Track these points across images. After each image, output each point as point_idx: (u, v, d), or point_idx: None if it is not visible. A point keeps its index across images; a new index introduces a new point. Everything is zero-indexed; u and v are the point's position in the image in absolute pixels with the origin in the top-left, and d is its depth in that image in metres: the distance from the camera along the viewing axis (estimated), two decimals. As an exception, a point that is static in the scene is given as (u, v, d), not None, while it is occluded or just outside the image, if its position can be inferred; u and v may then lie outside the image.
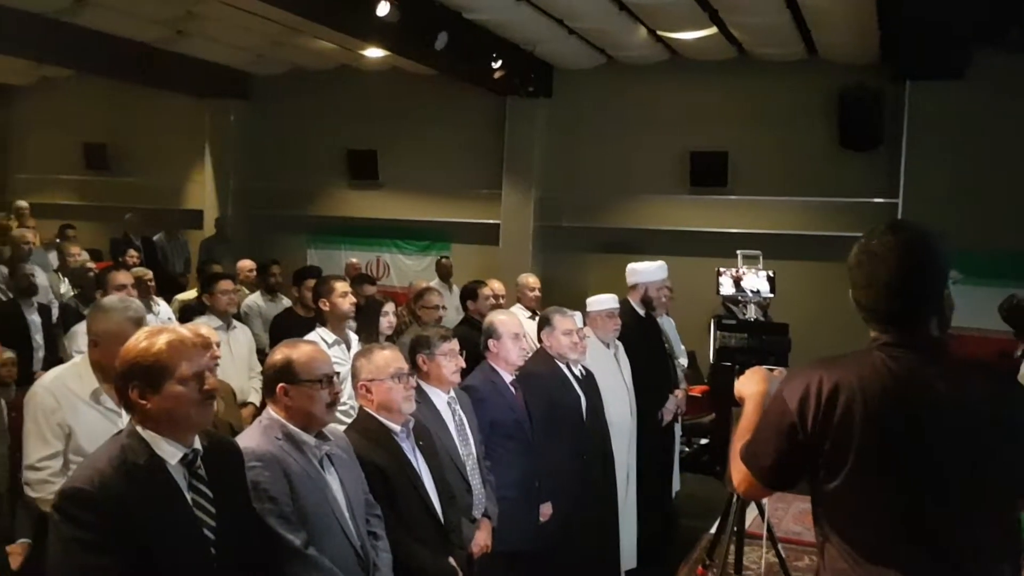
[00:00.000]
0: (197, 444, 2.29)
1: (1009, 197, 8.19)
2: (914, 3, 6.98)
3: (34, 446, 3.10)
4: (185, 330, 2.40)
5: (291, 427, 2.76)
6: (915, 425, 1.87)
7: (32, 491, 3.08)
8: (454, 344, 3.79)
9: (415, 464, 3.29)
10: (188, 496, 2.22)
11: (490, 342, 4.20)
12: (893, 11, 7.36)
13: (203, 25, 9.43)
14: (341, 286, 4.87)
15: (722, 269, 4.53)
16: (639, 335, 5.51)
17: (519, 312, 6.56)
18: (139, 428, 2.22)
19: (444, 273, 9.22)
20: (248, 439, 2.74)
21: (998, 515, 1.92)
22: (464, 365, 3.86)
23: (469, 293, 6.37)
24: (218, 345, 4.01)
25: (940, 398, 1.89)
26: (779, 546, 4.32)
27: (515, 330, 4.22)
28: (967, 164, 8.56)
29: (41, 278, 6.75)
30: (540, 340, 4.67)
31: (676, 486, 6.53)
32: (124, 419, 2.92)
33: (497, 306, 6.46)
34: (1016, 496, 1.95)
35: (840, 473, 1.89)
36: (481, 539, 3.66)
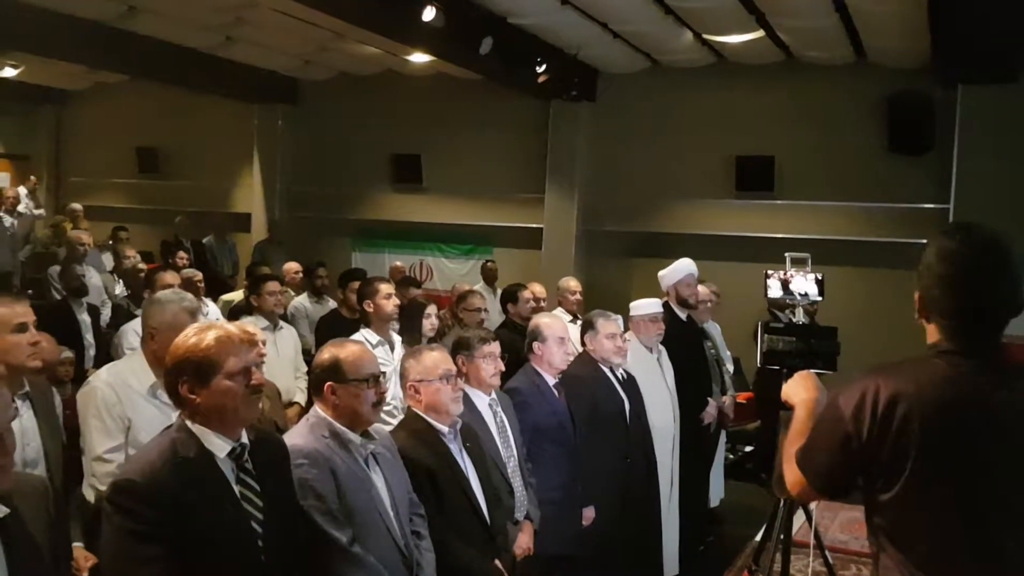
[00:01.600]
0: (245, 439, 2.33)
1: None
2: (966, 6, 6.84)
3: (99, 439, 3.14)
4: (232, 327, 2.44)
5: (338, 426, 2.79)
6: (974, 435, 1.84)
7: (99, 483, 3.08)
8: (494, 347, 3.80)
9: (462, 465, 3.30)
10: (236, 489, 2.26)
11: (535, 345, 4.20)
12: (945, 15, 7.23)
13: (251, 31, 9.58)
14: (385, 288, 4.91)
15: (770, 271, 4.48)
16: (680, 339, 5.48)
17: (561, 316, 6.56)
18: (188, 422, 2.27)
19: (489, 277, 9.24)
20: (295, 437, 2.78)
21: None
22: (504, 368, 3.87)
23: (509, 296, 6.38)
24: (264, 344, 4.06)
25: (1000, 407, 1.86)
26: (827, 554, 4.25)
27: (560, 334, 4.23)
28: (1020, 169, 8.36)
29: (95, 279, 6.91)
30: (583, 343, 4.66)
31: (721, 493, 6.47)
32: (175, 414, 2.99)
33: (538, 309, 6.46)
34: None
35: (897, 484, 1.87)
36: (524, 542, 3.66)
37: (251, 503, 2.27)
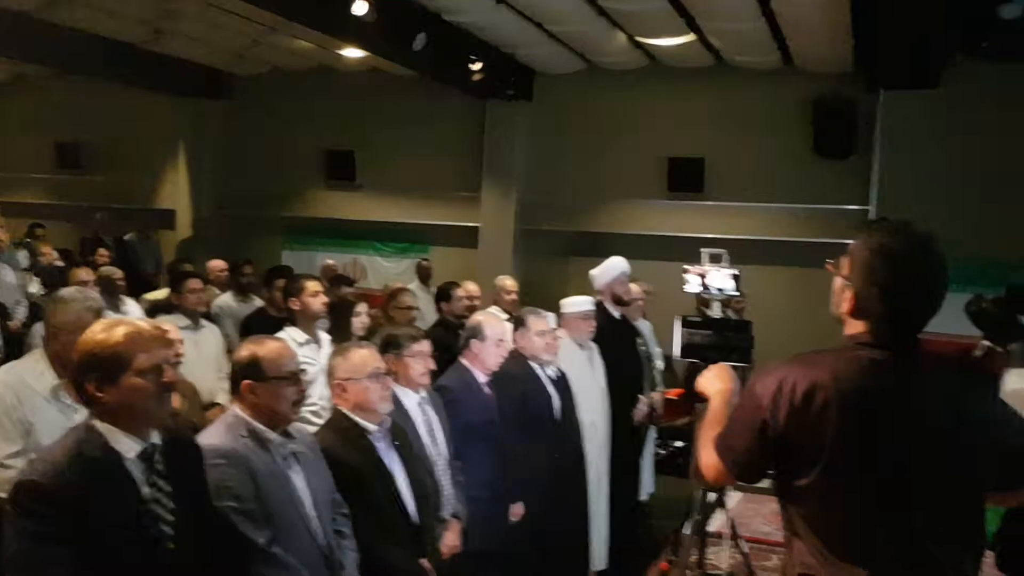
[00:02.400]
0: (156, 439, 2.26)
1: (980, 206, 8.26)
2: (888, 13, 7.03)
3: None
4: (144, 323, 2.37)
5: (256, 424, 2.74)
6: (891, 423, 1.88)
7: (1, 491, 3.00)
8: (424, 345, 3.77)
9: (389, 464, 3.27)
10: (146, 491, 2.20)
11: (472, 342, 4.18)
12: (867, 21, 7.42)
13: (181, 24, 9.38)
14: (312, 285, 4.84)
15: (688, 268, 4.55)
16: (613, 337, 5.52)
17: (498, 315, 6.55)
18: (96, 421, 2.20)
19: (423, 275, 9.19)
20: (212, 436, 2.72)
21: (966, 510, 1.94)
22: (434, 367, 3.84)
23: (443, 294, 6.35)
24: (182, 342, 3.96)
25: (917, 397, 1.90)
26: (743, 544, 4.35)
27: (500, 336, 4.22)
28: (939, 173, 8.63)
29: (9, 277, 6.67)
30: (514, 340, 4.65)
31: (651, 488, 6.54)
32: (81, 416, 2.89)
33: (472, 308, 6.44)
34: (984, 491, 1.97)
35: (813, 471, 1.89)
36: (451, 540, 3.65)
37: (161, 505, 2.21)
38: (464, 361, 4.24)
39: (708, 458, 2.10)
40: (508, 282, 6.92)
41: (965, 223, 8.08)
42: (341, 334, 4.91)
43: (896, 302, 1.93)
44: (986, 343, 2.03)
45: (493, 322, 4.27)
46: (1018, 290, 2.33)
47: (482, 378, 4.19)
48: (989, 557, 2.53)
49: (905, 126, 8.80)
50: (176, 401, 2.45)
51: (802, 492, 1.93)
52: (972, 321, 2.06)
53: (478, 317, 4.37)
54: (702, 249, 4.75)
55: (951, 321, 2.14)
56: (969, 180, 8.53)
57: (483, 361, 4.17)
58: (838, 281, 2.04)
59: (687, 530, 4.26)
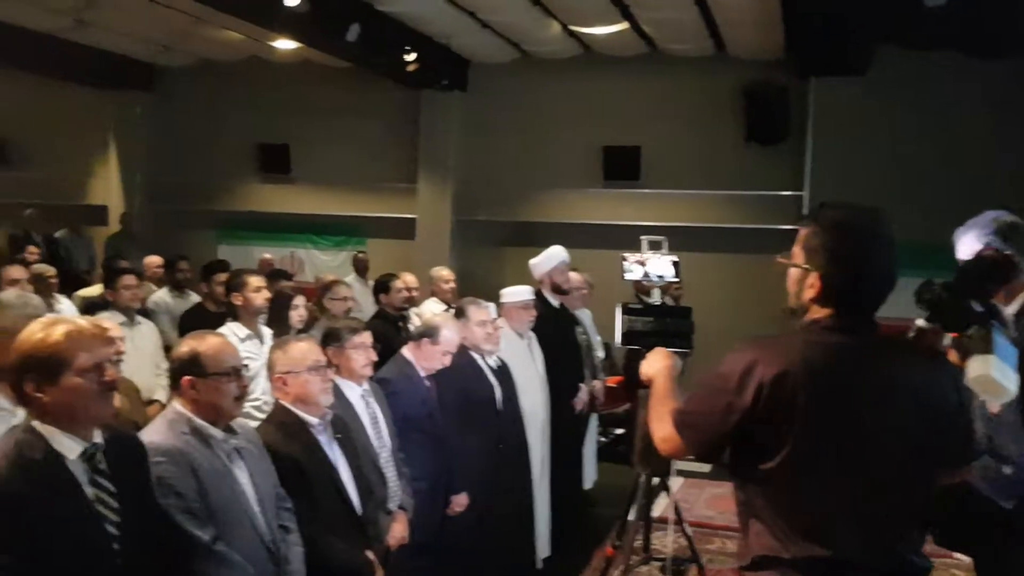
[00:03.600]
0: (98, 438, 2.23)
1: (911, 191, 8.51)
2: (816, 1, 7.20)
3: None
4: (84, 321, 2.33)
5: (198, 421, 2.71)
6: (859, 411, 1.93)
7: None
8: (365, 337, 3.78)
9: (331, 457, 3.27)
10: (89, 491, 2.17)
11: (424, 340, 4.18)
12: (795, 8, 7.57)
13: (105, 14, 9.11)
14: (255, 281, 4.83)
15: (627, 255, 4.61)
16: (552, 326, 5.57)
17: (434, 305, 6.57)
18: (36, 423, 2.16)
19: (360, 268, 9.14)
20: (153, 433, 2.69)
21: (922, 490, 2.01)
22: (376, 358, 3.84)
23: (381, 287, 6.34)
24: (123, 340, 3.90)
25: (881, 383, 1.95)
26: (687, 528, 4.44)
27: (453, 349, 4.23)
28: (871, 158, 8.88)
29: (-67, 276, 6.44)
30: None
31: (593, 476, 6.62)
32: (18, 418, 2.82)
33: (410, 299, 6.46)
34: (937, 467, 2.03)
35: (778, 455, 1.92)
36: (398, 531, 3.66)
37: (106, 505, 2.18)
38: (406, 353, 4.24)
39: (664, 432, 2.11)
40: (444, 272, 6.93)
41: (895, 207, 8.30)
42: (279, 328, 4.89)
43: (862, 277, 1.97)
44: (921, 323, 2.10)
45: (450, 335, 4.22)
46: (968, 273, 2.39)
47: (422, 372, 4.20)
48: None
49: (836, 112, 9.02)
50: (117, 400, 2.41)
51: (766, 475, 1.95)
52: (927, 308, 2.11)
53: (437, 320, 4.35)
54: (642, 236, 4.82)
55: (898, 308, 2.19)
56: (899, 164, 8.78)
57: (427, 360, 4.18)
58: (794, 272, 2.06)
59: (632, 516, 4.33)
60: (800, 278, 2.04)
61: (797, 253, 2.06)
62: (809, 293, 2.01)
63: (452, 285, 6.83)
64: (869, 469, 1.93)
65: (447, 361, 4.22)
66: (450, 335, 4.22)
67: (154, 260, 7.66)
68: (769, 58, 9.17)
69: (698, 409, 2.05)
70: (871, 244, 1.99)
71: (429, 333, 4.19)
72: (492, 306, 4.75)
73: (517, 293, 5.23)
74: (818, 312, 2.02)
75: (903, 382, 1.98)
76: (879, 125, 8.92)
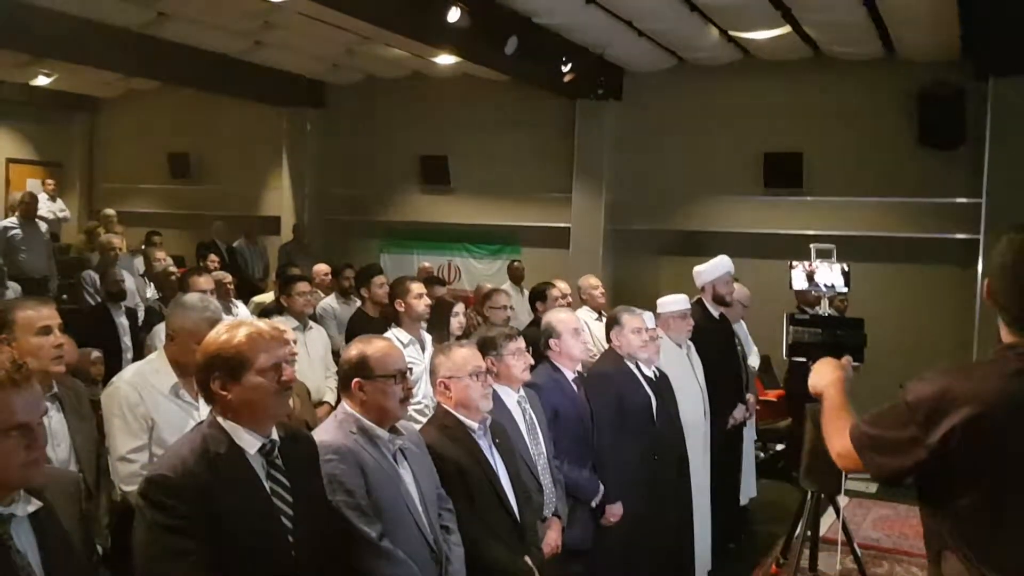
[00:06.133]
0: (275, 435, 2.35)
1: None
2: (996, -2, 6.78)
3: (122, 439, 3.17)
4: (262, 324, 2.47)
5: (365, 421, 2.81)
6: None
7: (124, 484, 3.11)
8: (520, 342, 3.80)
9: (492, 462, 3.30)
10: (266, 485, 2.29)
11: (551, 341, 4.19)
12: (974, 6, 7.15)
13: (279, 35, 9.67)
14: (416, 287, 4.96)
15: (794, 263, 4.43)
16: (712, 336, 5.46)
17: (586, 314, 6.55)
18: (220, 419, 2.30)
19: (516, 276, 9.27)
20: (324, 433, 2.80)
21: None
22: (533, 362, 3.87)
23: (538, 295, 6.38)
24: (295, 343, 4.10)
25: None
26: (857, 550, 4.24)
27: (573, 325, 4.23)
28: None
29: (128, 282, 7.00)
30: (608, 340, 4.64)
31: (752, 492, 6.43)
32: (200, 412, 3.03)
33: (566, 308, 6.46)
34: None
35: (974, 491, 1.81)
36: (552, 539, 3.65)
37: (281, 499, 2.30)
38: (551, 359, 4.24)
39: (841, 447, 2.02)
40: (592, 280, 6.89)
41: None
42: (439, 334, 5.00)
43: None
44: None
45: (562, 316, 4.27)
46: None
47: (570, 375, 4.19)
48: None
49: (1017, 114, 8.41)
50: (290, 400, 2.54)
51: (962, 509, 1.84)
52: None
53: (547, 317, 4.38)
54: (811, 245, 4.64)
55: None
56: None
57: (568, 355, 4.18)
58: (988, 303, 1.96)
59: (791, 532, 4.18)
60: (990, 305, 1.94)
61: (986, 286, 1.95)
62: (1004, 317, 1.90)
63: (602, 290, 6.80)
64: None
65: (586, 338, 4.21)
66: (561, 318, 4.24)
67: (322, 268, 8.01)
68: (943, 59, 8.69)
69: (881, 434, 1.93)
70: None
71: (548, 333, 4.20)
72: (648, 314, 4.69)
73: (674, 302, 5.15)
74: (1010, 337, 1.89)
75: None
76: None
